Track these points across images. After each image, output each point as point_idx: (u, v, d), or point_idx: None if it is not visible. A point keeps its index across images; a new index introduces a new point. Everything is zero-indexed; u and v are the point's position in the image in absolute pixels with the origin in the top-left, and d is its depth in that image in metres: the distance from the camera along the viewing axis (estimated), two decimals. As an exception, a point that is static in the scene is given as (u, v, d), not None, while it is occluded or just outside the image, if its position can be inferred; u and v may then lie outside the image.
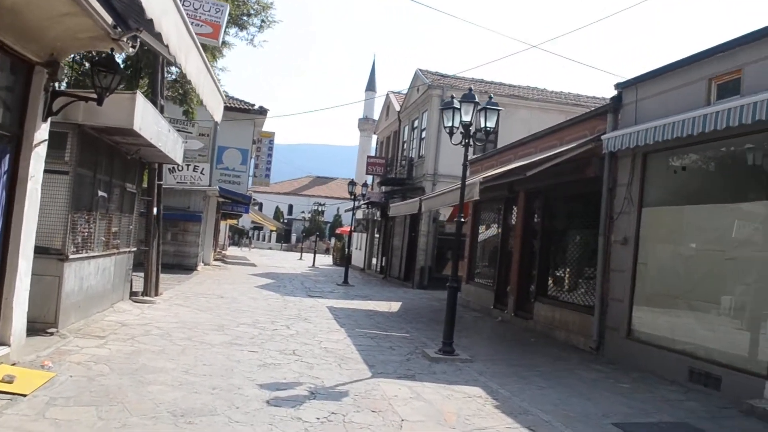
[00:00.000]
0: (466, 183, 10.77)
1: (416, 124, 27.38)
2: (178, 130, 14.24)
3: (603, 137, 10.67)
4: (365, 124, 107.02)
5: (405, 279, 26.56)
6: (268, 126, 31.33)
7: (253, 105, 28.64)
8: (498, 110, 10.29)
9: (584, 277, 12.30)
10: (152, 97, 13.27)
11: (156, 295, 13.95)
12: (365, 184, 27.95)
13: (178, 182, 14.21)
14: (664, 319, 9.65)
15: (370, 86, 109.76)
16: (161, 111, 13.47)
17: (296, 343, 9.86)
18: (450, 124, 10.27)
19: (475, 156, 19.87)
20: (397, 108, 30.95)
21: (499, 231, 16.53)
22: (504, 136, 24.15)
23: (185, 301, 14.12)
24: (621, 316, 10.26)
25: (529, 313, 14.03)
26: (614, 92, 11.31)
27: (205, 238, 27.26)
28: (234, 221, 48.53)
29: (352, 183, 25.95)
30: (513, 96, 25.64)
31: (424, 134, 25.88)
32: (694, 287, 9.07)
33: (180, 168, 14.09)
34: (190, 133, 14.81)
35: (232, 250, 53.28)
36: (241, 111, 28.19)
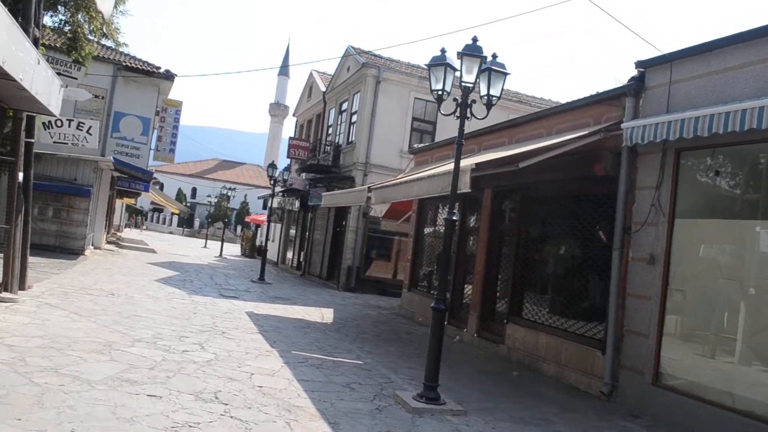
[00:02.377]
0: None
1: (345, 106, 24.56)
2: (59, 74, 10.78)
3: (624, 125, 8.34)
4: (277, 109, 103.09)
5: (328, 278, 23.70)
6: (174, 95, 27.50)
7: (158, 68, 24.81)
8: (506, 74, 7.64)
9: (581, 299, 10.00)
10: (23, 22, 9.82)
11: (22, 289, 10.47)
12: (287, 169, 24.80)
13: (55, 141, 10.71)
14: (712, 366, 7.42)
15: (284, 71, 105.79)
16: (35, 44, 10.08)
17: (218, 378, 6.89)
18: (439, 87, 7.56)
19: (423, 144, 17.39)
20: (323, 88, 27.98)
21: (456, 233, 14.03)
22: (443, 129, 21.90)
23: (62, 299, 10.68)
24: (644, 356, 7.96)
25: (498, 335, 11.61)
26: (618, 82, 8.99)
27: (95, 217, 23.27)
28: (132, 200, 43.75)
29: (272, 166, 22.73)
30: (453, 86, 23.32)
31: (355, 118, 23.10)
32: (755, 324, 6.89)
33: (59, 123, 10.58)
34: (75, 78, 11.37)
35: (129, 233, 48.33)
36: (143, 73, 24.38)
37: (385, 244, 22.80)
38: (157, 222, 73.28)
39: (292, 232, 31.66)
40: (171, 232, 68.54)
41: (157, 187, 47.91)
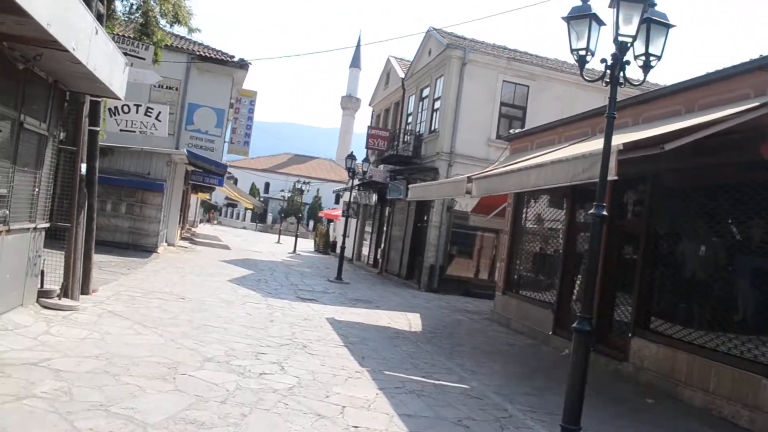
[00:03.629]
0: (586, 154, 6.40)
1: (426, 93, 22.97)
2: (126, 54, 9.71)
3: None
4: (348, 102, 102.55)
5: (407, 277, 22.25)
6: (247, 87, 26.58)
7: (232, 56, 23.93)
8: (669, 26, 5.84)
9: (735, 311, 8.11)
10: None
11: (85, 293, 9.47)
12: (366, 160, 23.50)
13: (122, 129, 9.67)
14: None
15: (355, 63, 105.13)
16: (100, 21, 9.07)
17: (303, 416, 5.50)
18: (582, 45, 5.86)
19: (519, 130, 15.63)
20: (401, 75, 26.47)
21: (564, 229, 12.25)
22: (534, 115, 20.03)
23: (128, 305, 9.63)
24: None
25: (619, 351, 9.82)
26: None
27: (169, 213, 22.65)
28: (206, 195, 43.65)
29: (351, 157, 21.45)
30: (546, 67, 21.36)
31: (437, 105, 21.50)
32: None
33: (125, 109, 9.52)
34: (143, 59, 10.30)
35: (203, 228, 48.46)
36: (217, 62, 23.51)
37: (470, 240, 21.17)
38: (231, 217, 73.85)
39: (368, 227, 30.40)
40: (244, 227, 68.85)
41: (231, 181, 47.78)
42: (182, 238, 28.42)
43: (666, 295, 9.49)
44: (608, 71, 5.80)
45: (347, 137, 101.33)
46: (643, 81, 5.96)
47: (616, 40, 5.59)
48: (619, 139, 7.51)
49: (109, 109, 9.59)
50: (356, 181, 26.32)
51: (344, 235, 23.05)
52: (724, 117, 6.81)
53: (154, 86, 23.03)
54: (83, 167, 8.70)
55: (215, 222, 66.56)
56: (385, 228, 26.27)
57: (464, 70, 20.18)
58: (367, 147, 25.64)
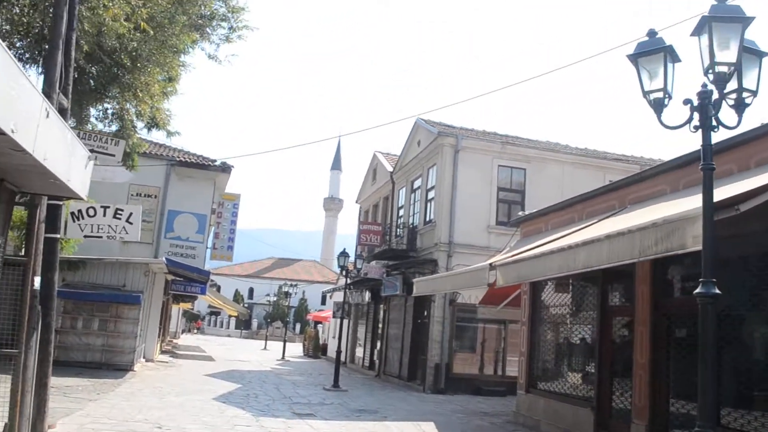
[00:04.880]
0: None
1: (418, 184, 22.14)
2: (92, 150, 8.58)
3: None
4: (331, 203, 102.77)
5: (409, 378, 20.49)
6: (230, 189, 25.61)
7: (214, 160, 23.11)
8: (764, 54, 4.79)
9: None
10: (45, 89, 7.80)
11: None
12: (359, 256, 22.20)
13: (86, 235, 8.38)
14: None
15: (336, 165, 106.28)
16: (63, 117, 8.01)
17: None
18: (659, 86, 4.76)
19: (524, 213, 14.59)
20: (389, 168, 25.77)
21: (597, 315, 10.92)
22: (533, 198, 19.18)
23: (91, 443, 7.98)
24: None
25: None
26: None
27: (147, 327, 20.97)
28: (188, 305, 41.73)
29: (343, 254, 20.19)
30: (540, 148, 20.73)
31: (431, 195, 20.59)
32: None
33: (90, 212, 8.27)
34: (112, 155, 9.16)
35: (185, 339, 46.17)
36: (198, 167, 22.69)
37: (474, 334, 19.69)
38: (214, 325, 71.30)
39: (361, 327, 28.74)
40: (229, 335, 66.29)
41: (214, 288, 46.08)
42: (162, 352, 26.50)
43: (738, 382, 8.06)
44: (696, 113, 4.65)
45: (331, 238, 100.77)
46: (739, 123, 4.81)
47: (710, 71, 4.47)
48: (682, 204, 6.39)
49: (72, 213, 8.36)
50: (348, 280, 24.94)
51: (339, 338, 21.36)
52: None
53: (132, 195, 22.07)
54: (37, 281, 7.32)
55: (195, 331, 64.06)
56: (380, 327, 24.67)
57: (458, 157, 19.42)
58: (359, 243, 24.47)
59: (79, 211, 8.47)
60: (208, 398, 13.75)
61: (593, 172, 20.62)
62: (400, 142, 24.31)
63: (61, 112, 8.13)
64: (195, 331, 65.25)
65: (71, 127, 7.46)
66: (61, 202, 8.32)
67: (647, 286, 9.61)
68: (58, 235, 8.30)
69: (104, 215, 8.47)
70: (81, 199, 7.18)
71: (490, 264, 8.86)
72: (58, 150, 5.75)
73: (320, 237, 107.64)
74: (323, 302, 72.24)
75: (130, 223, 8.45)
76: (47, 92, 7.81)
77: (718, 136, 7.02)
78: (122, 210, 8.48)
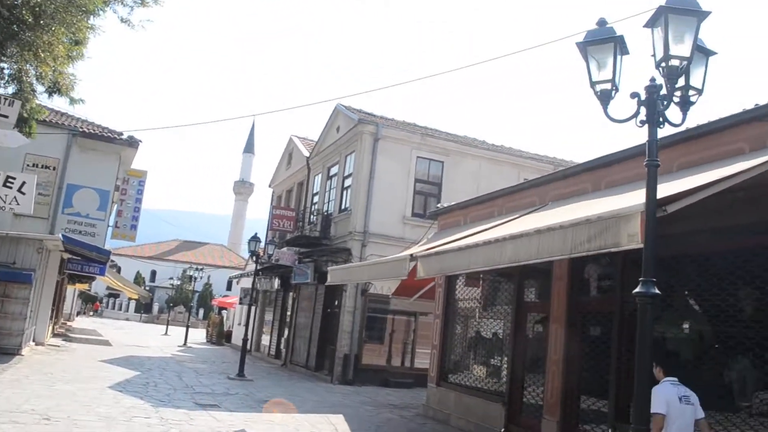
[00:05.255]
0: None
1: (335, 170, 21.76)
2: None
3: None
4: (242, 187, 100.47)
5: (317, 368, 20.15)
6: (136, 166, 24.23)
7: (120, 133, 21.79)
8: (711, 53, 4.76)
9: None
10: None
11: None
12: (272, 241, 21.44)
13: (-29, 205, 7.50)
14: None
15: (249, 148, 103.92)
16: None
17: None
18: (606, 77, 4.67)
19: (448, 204, 14.56)
20: (306, 153, 25.23)
21: (512, 311, 10.98)
22: (450, 191, 19.29)
23: (-33, 435, 7.19)
24: None
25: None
26: None
27: (38, 308, 19.54)
28: (85, 286, 39.46)
29: (255, 239, 19.51)
30: (459, 142, 20.84)
31: (348, 182, 20.28)
32: None
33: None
34: (5, 116, 8.27)
35: (81, 322, 43.74)
36: (102, 139, 21.30)
37: (385, 325, 19.56)
38: (113, 308, 68.15)
39: (268, 315, 28.11)
40: (128, 319, 63.59)
41: (114, 269, 43.86)
42: (55, 335, 24.88)
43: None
44: (642, 107, 4.57)
45: (240, 222, 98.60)
46: (683, 121, 4.78)
47: (662, 64, 4.39)
48: (607, 202, 6.42)
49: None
50: (258, 266, 24.25)
51: (247, 325, 20.70)
52: (736, 173, 5.70)
53: (28, 165, 20.44)
54: None
55: (90, 314, 60.94)
56: (289, 315, 24.17)
57: (377, 145, 19.17)
58: (270, 228, 23.81)
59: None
60: (103, 386, 12.90)
61: (509, 169, 20.96)
62: (317, 128, 23.93)
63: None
64: (92, 313, 62.12)
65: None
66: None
67: (564, 283, 9.74)
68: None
69: (-8, 183, 7.62)
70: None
71: (411, 255, 8.67)
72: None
73: (229, 221, 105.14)
74: (229, 287, 70.42)
75: (23, 193, 7.66)
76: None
77: (638, 139, 7.14)
78: (14, 178, 7.67)
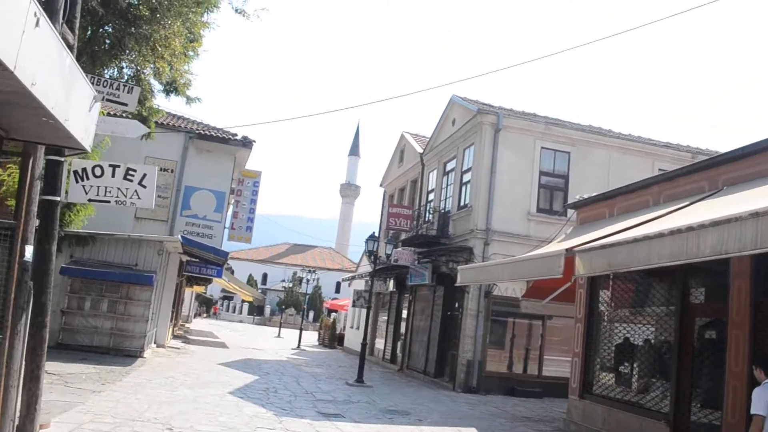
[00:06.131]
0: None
1: (452, 165, 20.63)
2: (106, 99, 7.23)
3: None
4: (348, 189, 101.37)
5: (436, 375, 19.10)
6: (250, 166, 24.23)
7: (234, 134, 21.77)
8: None
9: None
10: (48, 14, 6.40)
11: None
12: (391, 241, 20.49)
13: (91, 199, 7.01)
14: None
15: (354, 150, 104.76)
16: (70, 49, 6.61)
17: None
18: None
19: (582, 197, 13.06)
20: (419, 150, 24.27)
21: (677, 314, 9.41)
22: (577, 184, 17.65)
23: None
24: None
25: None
26: None
27: (159, 310, 19.72)
28: (202, 288, 40.59)
29: (372, 238, 18.71)
30: (584, 131, 19.12)
31: (467, 177, 19.08)
32: None
33: (97, 172, 6.88)
34: (125, 104, 7.82)
35: (197, 324, 45.15)
36: (217, 140, 21.37)
37: (509, 329, 18.18)
38: (227, 310, 70.44)
39: (382, 318, 27.36)
40: (241, 321, 65.40)
41: (228, 272, 45.00)
42: (174, 337, 25.29)
43: None
44: None
45: (347, 225, 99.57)
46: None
47: None
48: None
49: (74, 172, 7.00)
50: (369, 268, 23.55)
51: (366, 329, 19.92)
52: None
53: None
54: (28, 251, 5.96)
55: (204, 315, 63.07)
56: (405, 318, 23.26)
57: (498, 137, 17.87)
58: (387, 227, 22.98)
59: (83, 170, 7.08)
60: (224, 392, 12.43)
61: (641, 159, 19.06)
62: (427, 127, 22.90)
63: (68, 46, 6.77)
64: (205, 315, 64.31)
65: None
66: (61, 158, 6.99)
67: (746, 281, 8.13)
68: (58, 198, 6.95)
69: (113, 176, 7.07)
70: (84, 150, 5.80)
71: (567, 249, 7.40)
72: (52, 75, 4.37)
73: (335, 224, 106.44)
74: (337, 290, 71.06)
75: (144, 187, 7.06)
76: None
77: None
78: (134, 170, 7.08)
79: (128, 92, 8.14)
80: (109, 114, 10.51)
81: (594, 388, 11.37)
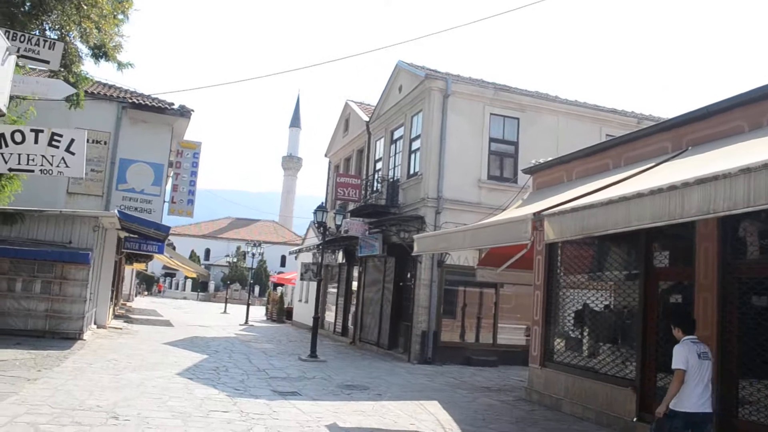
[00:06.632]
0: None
1: (400, 133, 20.15)
2: (22, 55, 6.37)
3: None
4: (290, 162, 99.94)
5: (390, 347, 18.83)
6: (189, 137, 23.11)
7: (171, 103, 20.67)
8: None
9: None
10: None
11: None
12: (340, 211, 19.74)
13: (11, 168, 6.22)
14: None
15: (295, 122, 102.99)
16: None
17: None
18: None
19: (538, 161, 12.82)
20: (365, 118, 23.67)
21: (641, 279, 9.26)
22: (527, 150, 17.51)
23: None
24: None
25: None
26: None
27: (98, 289, 18.72)
28: (142, 265, 39.15)
29: (321, 209, 18.04)
30: (533, 96, 18.91)
31: (416, 145, 18.65)
32: None
33: (17, 137, 6.07)
34: (46, 62, 6.98)
35: (140, 302, 43.69)
36: (153, 110, 20.32)
37: (461, 298, 18.01)
38: (169, 287, 68.64)
39: (331, 291, 26.91)
40: (185, 298, 63.83)
41: (170, 248, 43.58)
42: (116, 316, 24.21)
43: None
44: None
45: (290, 198, 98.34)
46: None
47: None
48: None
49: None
50: (317, 240, 22.97)
51: (317, 302, 19.40)
52: None
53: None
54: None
55: (144, 294, 61.25)
56: (355, 291, 22.87)
57: (447, 103, 17.44)
58: (335, 198, 22.38)
59: (1, 135, 6.27)
60: (172, 373, 11.77)
61: (589, 125, 19.07)
62: (370, 96, 22.33)
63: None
64: (146, 293, 62.48)
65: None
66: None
67: (714, 244, 8.00)
68: (-26, 170, 6.14)
69: (36, 142, 6.29)
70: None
71: (534, 214, 7.06)
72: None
73: (278, 197, 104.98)
74: (282, 264, 70.16)
75: (72, 154, 6.31)
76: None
77: None
78: (60, 135, 6.32)
79: (50, 48, 7.30)
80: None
81: (555, 356, 11.24)
